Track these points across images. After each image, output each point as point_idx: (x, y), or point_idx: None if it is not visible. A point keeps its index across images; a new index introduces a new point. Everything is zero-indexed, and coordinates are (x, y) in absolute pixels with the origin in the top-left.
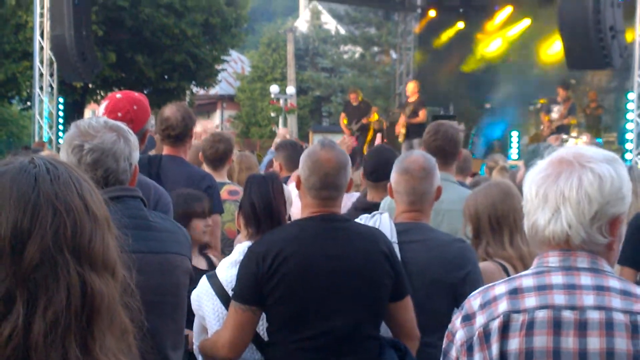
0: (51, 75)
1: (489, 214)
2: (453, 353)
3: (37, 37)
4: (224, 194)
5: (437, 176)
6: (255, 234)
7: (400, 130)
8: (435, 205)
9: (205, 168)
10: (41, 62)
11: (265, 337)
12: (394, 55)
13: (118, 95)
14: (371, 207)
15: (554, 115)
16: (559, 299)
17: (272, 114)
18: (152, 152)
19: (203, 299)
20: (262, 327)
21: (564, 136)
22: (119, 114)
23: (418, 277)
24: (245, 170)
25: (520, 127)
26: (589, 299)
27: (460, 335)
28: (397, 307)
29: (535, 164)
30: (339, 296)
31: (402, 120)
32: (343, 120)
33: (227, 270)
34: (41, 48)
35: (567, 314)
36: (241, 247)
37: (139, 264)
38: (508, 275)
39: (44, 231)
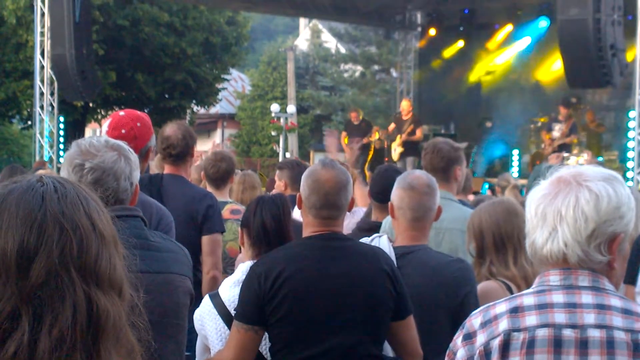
0: (52, 94)
1: (493, 232)
2: None
3: (38, 56)
4: (225, 213)
5: (438, 196)
6: (261, 254)
7: (396, 148)
8: (436, 224)
9: (207, 187)
10: (42, 81)
11: (267, 356)
12: (394, 73)
13: (121, 113)
14: (375, 228)
15: (555, 133)
16: (560, 317)
17: (273, 133)
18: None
19: (206, 319)
20: (264, 347)
21: (565, 154)
22: (123, 131)
23: (417, 302)
24: (249, 189)
25: (521, 146)
26: (589, 318)
27: (461, 354)
28: (399, 326)
29: (538, 184)
30: (341, 315)
31: (399, 138)
32: (344, 140)
33: (230, 289)
34: (42, 67)
35: (568, 333)
36: (244, 267)
37: (140, 283)
38: (511, 293)
39: (50, 249)
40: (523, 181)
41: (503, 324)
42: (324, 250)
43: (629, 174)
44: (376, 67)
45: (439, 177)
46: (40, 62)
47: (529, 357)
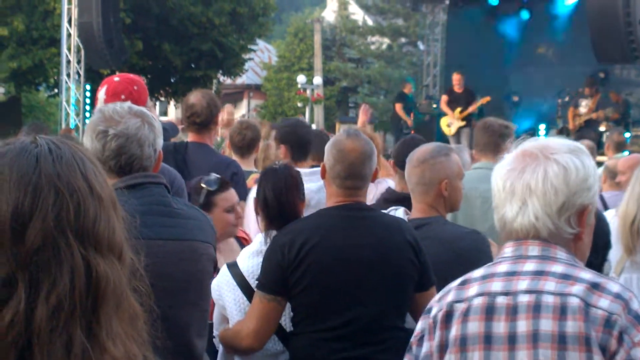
0: (78, 62)
1: None
2: (412, 341)
3: (65, 24)
4: (250, 182)
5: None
6: (268, 227)
7: (453, 122)
8: (484, 192)
9: (233, 156)
10: (68, 49)
11: (287, 327)
12: (421, 46)
13: (116, 79)
14: (401, 199)
15: (582, 109)
16: (496, 285)
17: (299, 104)
18: (174, 139)
19: (224, 289)
20: (284, 318)
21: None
22: (122, 97)
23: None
24: (273, 158)
25: (548, 120)
26: (522, 284)
27: (418, 326)
28: (422, 298)
29: (500, 161)
30: (364, 286)
31: (457, 112)
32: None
33: (248, 259)
34: (69, 35)
35: (501, 300)
36: (260, 237)
37: (163, 251)
38: None
39: (46, 213)
40: None
41: (450, 296)
42: (348, 220)
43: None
44: (403, 39)
45: (489, 152)
46: (68, 29)
47: (464, 325)
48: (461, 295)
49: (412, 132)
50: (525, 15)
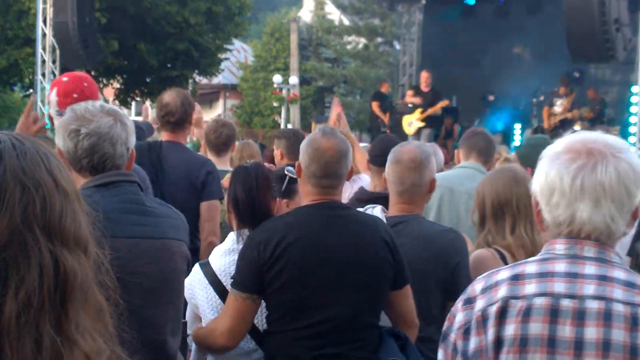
0: (54, 62)
1: (492, 200)
2: (452, 335)
3: (40, 23)
4: (225, 181)
5: (431, 168)
6: (240, 226)
7: (413, 122)
8: (470, 189)
9: (209, 155)
10: (43, 48)
11: (259, 326)
12: (397, 46)
13: (64, 79)
14: (373, 199)
15: (557, 108)
16: (559, 287)
17: (275, 104)
18: (149, 139)
19: (196, 288)
20: (258, 316)
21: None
22: (75, 95)
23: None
24: (247, 158)
25: (523, 120)
26: (589, 289)
27: (459, 318)
28: (397, 296)
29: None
30: (340, 284)
31: (418, 113)
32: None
33: (221, 258)
34: (44, 35)
35: (566, 303)
36: (233, 235)
37: (136, 249)
38: (505, 262)
39: (12, 209)
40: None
41: (502, 291)
42: (323, 219)
43: (631, 149)
44: (379, 39)
45: (482, 156)
46: (43, 29)
47: (524, 325)
48: (517, 292)
49: (388, 131)
50: (500, 15)
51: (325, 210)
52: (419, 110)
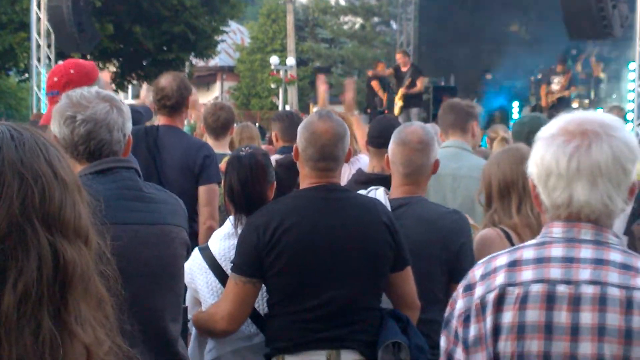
0: (49, 46)
1: (499, 180)
2: (454, 322)
3: (34, 7)
4: (224, 165)
5: (435, 150)
6: (237, 212)
7: (397, 102)
8: (454, 171)
9: (207, 139)
10: (38, 33)
11: (260, 310)
12: (394, 25)
13: (60, 62)
14: (372, 180)
15: (554, 86)
16: (555, 272)
17: (272, 86)
18: (148, 123)
19: (195, 272)
20: (258, 300)
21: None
22: (55, 79)
23: (412, 253)
24: (247, 140)
25: (521, 98)
26: (585, 273)
27: (460, 305)
28: (397, 278)
29: (546, 136)
30: (340, 267)
31: (400, 92)
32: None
33: (220, 242)
34: (38, 19)
35: (562, 289)
36: (232, 220)
37: (135, 236)
38: (511, 242)
39: (11, 200)
40: None
41: (500, 278)
42: (322, 202)
43: (629, 126)
44: (376, 19)
45: (457, 131)
46: (37, 13)
47: (522, 312)
48: (514, 279)
49: (386, 112)
50: None
51: (324, 193)
52: (401, 90)
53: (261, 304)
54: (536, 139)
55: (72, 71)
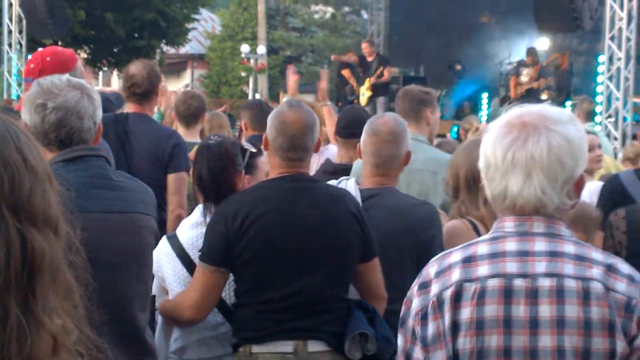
0: (20, 32)
1: (466, 171)
2: (410, 321)
3: None
4: (192, 154)
5: (407, 141)
6: (206, 201)
7: (364, 92)
8: (408, 165)
9: (178, 127)
10: (10, 19)
11: (227, 300)
12: (365, 15)
13: (39, 49)
14: (339, 171)
15: (524, 78)
16: (511, 267)
17: (243, 74)
18: (119, 111)
19: (163, 260)
20: (226, 291)
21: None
22: (31, 66)
23: (382, 244)
24: (217, 129)
25: (490, 89)
26: (540, 266)
27: (416, 303)
28: (365, 269)
29: (491, 128)
30: (308, 257)
31: (367, 82)
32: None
33: (188, 231)
34: (10, 4)
35: (518, 282)
36: (200, 208)
37: (104, 224)
38: (478, 233)
39: None
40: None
41: (456, 274)
42: (291, 192)
43: (597, 119)
44: (347, 8)
45: (410, 120)
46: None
47: (480, 308)
48: (470, 274)
49: (355, 101)
50: None
51: (292, 183)
52: (368, 79)
53: (228, 293)
54: (485, 131)
55: (48, 59)
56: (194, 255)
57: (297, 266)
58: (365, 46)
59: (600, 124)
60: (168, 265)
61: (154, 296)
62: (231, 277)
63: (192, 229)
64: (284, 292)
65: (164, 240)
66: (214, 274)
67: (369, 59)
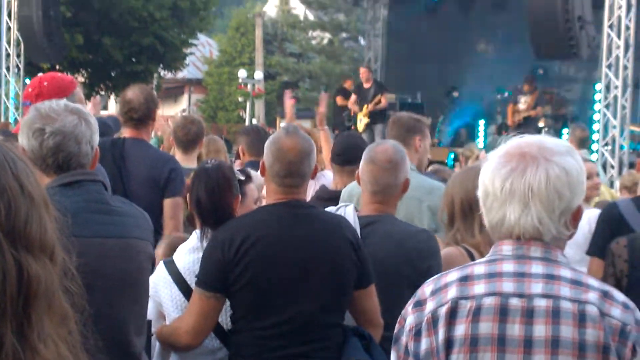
0: (18, 55)
1: (461, 199)
2: (403, 338)
3: (4, 17)
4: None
5: (406, 169)
6: (203, 226)
7: (362, 119)
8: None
9: (176, 152)
10: (8, 42)
11: (224, 325)
12: (362, 41)
13: (40, 74)
14: (334, 197)
15: (521, 105)
16: (508, 286)
17: (240, 99)
18: (116, 135)
19: (160, 285)
20: (222, 316)
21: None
22: (30, 89)
23: (380, 271)
24: (213, 153)
25: (487, 116)
26: (537, 287)
27: (410, 320)
28: (361, 295)
29: (490, 158)
30: (304, 283)
31: (365, 109)
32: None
33: (185, 256)
34: (8, 28)
35: (515, 302)
36: (197, 233)
37: (101, 249)
38: (473, 260)
39: None
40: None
41: (452, 292)
42: (287, 218)
43: (594, 147)
44: (344, 34)
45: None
46: (7, 23)
47: (475, 325)
48: (466, 292)
49: (353, 127)
50: (465, 11)
51: (289, 209)
52: (365, 106)
53: (225, 319)
54: (485, 160)
55: (45, 83)
56: (191, 280)
57: (293, 292)
58: (363, 72)
59: (597, 152)
60: (165, 290)
61: (150, 321)
62: (228, 302)
63: (189, 254)
64: (280, 318)
65: (161, 265)
66: (210, 300)
67: (366, 85)
